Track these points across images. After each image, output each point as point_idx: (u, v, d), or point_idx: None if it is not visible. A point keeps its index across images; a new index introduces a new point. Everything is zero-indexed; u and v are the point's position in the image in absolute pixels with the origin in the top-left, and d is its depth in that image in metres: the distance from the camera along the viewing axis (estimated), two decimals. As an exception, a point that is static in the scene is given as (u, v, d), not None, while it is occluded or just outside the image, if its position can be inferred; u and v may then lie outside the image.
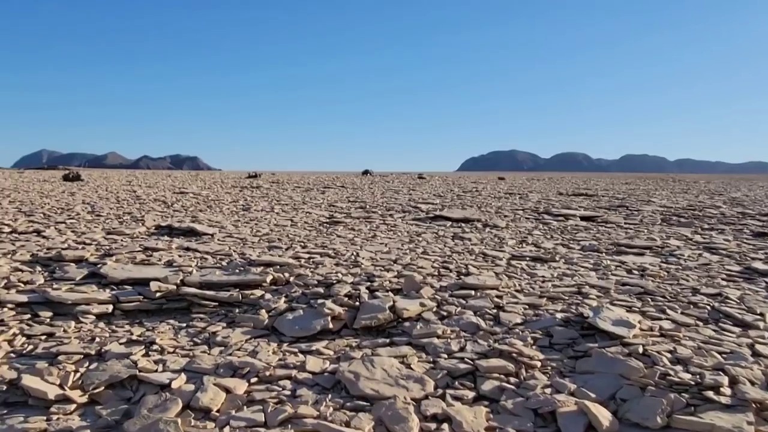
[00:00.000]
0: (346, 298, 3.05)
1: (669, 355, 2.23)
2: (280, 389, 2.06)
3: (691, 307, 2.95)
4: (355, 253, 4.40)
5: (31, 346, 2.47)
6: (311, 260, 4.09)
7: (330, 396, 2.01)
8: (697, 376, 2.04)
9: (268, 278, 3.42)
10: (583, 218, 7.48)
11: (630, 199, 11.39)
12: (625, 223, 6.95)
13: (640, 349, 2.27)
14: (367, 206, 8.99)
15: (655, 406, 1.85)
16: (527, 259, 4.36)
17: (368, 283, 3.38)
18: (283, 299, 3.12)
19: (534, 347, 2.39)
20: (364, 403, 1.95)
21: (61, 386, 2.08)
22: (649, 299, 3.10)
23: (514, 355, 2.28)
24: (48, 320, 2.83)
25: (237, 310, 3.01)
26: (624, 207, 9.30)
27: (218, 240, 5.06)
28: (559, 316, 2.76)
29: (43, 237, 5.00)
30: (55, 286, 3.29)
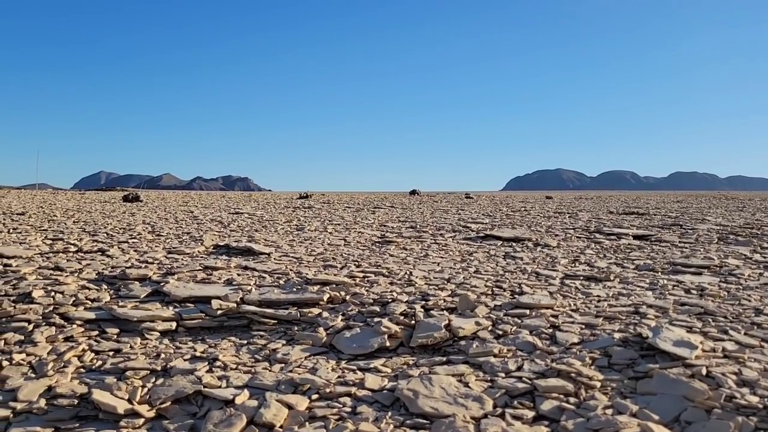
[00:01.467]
0: (401, 317, 3.09)
1: (734, 377, 2.18)
2: (341, 406, 2.10)
3: (755, 327, 2.88)
4: (408, 272, 4.44)
5: (99, 362, 2.57)
6: (366, 279, 4.15)
7: (390, 413, 2.04)
8: (765, 399, 1.99)
9: (325, 297, 3.49)
10: (635, 237, 7.35)
11: (683, 217, 11.11)
12: (680, 242, 6.79)
13: (704, 371, 2.23)
14: (418, 226, 9.02)
15: (723, 429, 1.82)
16: (581, 278, 4.32)
17: (423, 302, 3.41)
18: (341, 317, 3.18)
19: (593, 367, 2.37)
20: (424, 421, 1.97)
21: (129, 401, 2.16)
22: (710, 320, 3.04)
23: (573, 375, 2.27)
24: (115, 336, 2.94)
25: (296, 328, 3.08)
26: (678, 225, 9.08)
27: (275, 259, 5.17)
28: (616, 336, 2.74)
29: (108, 256, 5.20)
30: (120, 303, 3.42)
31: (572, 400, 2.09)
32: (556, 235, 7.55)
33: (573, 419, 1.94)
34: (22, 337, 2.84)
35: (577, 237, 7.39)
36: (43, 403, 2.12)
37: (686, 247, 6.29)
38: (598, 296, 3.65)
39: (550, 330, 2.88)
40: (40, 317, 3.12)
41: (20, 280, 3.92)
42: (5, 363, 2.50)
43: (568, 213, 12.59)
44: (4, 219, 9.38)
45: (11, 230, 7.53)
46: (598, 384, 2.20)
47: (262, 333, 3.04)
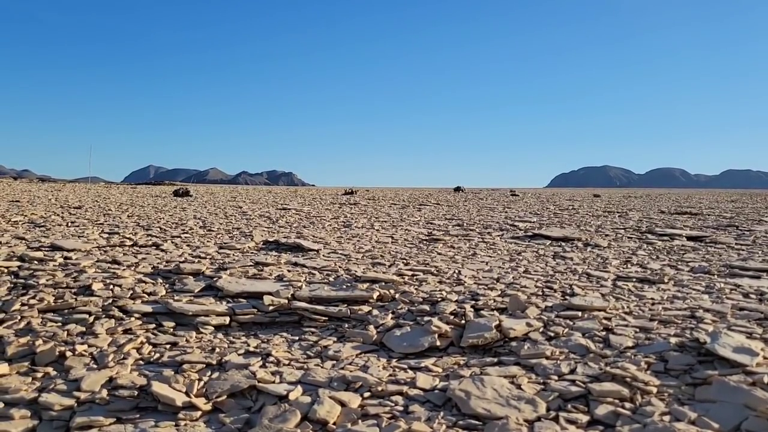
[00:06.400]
0: (451, 316, 3.08)
1: (798, 387, 2.11)
2: (393, 404, 2.11)
3: (820, 335, 2.78)
4: (457, 271, 4.43)
5: (157, 354, 2.64)
6: (414, 277, 4.15)
7: (442, 413, 2.04)
8: (831, 410, 1.93)
9: (375, 294, 3.51)
10: (689, 238, 7.16)
11: (739, 218, 10.76)
12: (737, 244, 6.58)
13: (766, 379, 2.17)
14: (465, 224, 8.98)
15: (786, 439, 1.77)
16: (634, 280, 4.23)
17: (473, 302, 3.40)
18: (390, 316, 3.19)
19: (648, 372, 2.33)
20: (476, 422, 1.97)
21: (187, 393, 2.21)
22: (772, 326, 2.95)
23: (628, 379, 2.23)
24: (171, 330, 3.02)
25: (346, 325, 3.11)
26: (734, 226, 8.80)
27: (324, 256, 5.22)
28: (672, 340, 2.67)
29: (162, 250, 5.34)
30: (176, 297, 3.51)
31: (628, 405, 2.05)
32: (607, 235, 7.42)
33: (629, 425, 1.91)
34: (84, 329, 2.94)
35: (628, 237, 7.25)
36: (105, 393, 2.19)
37: (743, 249, 6.09)
38: (652, 299, 3.57)
39: (603, 333, 2.83)
40: (100, 309, 3.23)
41: (80, 273, 4.06)
42: (68, 353, 2.59)
43: (617, 212, 12.34)
44: (62, 213, 9.71)
45: (69, 224, 7.79)
46: (655, 390, 2.16)
47: (313, 329, 3.07)
